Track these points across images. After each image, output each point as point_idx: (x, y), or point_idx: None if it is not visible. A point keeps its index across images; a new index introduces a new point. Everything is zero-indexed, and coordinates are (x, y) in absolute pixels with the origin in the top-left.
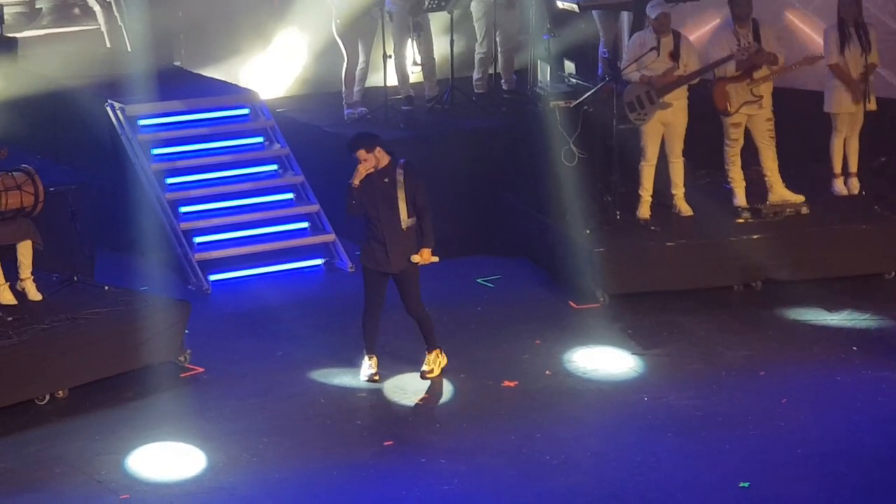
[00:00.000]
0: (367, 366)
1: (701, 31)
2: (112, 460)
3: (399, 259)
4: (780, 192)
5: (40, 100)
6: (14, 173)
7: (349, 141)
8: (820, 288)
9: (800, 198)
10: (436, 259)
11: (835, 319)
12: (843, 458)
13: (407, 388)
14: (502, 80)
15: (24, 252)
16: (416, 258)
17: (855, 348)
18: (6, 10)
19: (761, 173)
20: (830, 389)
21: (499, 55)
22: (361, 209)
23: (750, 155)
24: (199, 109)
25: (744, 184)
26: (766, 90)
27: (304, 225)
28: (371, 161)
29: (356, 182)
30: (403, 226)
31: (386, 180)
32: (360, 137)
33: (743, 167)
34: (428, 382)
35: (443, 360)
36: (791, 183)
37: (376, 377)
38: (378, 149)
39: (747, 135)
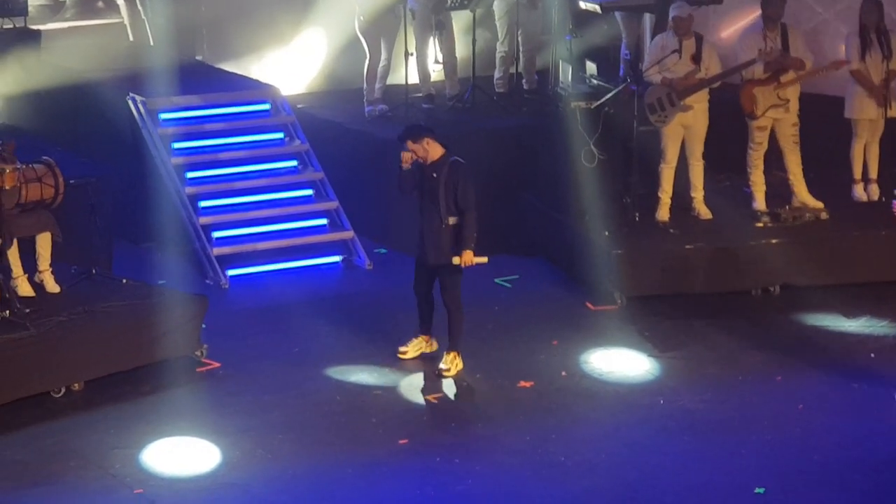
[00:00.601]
0: (409, 341)
1: (728, 30)
2: (127, 454)
3: (433, 254)
4: (802, 197)
5: (62, 92)
6: (34, 165)
7: (400, 132)
8: (838, 294)
9: (819, 204)
10: (483, 260)
11: (853, 326)
12: (858, 465)
13: (423, 387)
14: (523, 80)
15: (43, 244)
16: (456, 260)
17: (872, 355)
18: (31, 2)
19: (782, 178)
20: (847, 396)
21: (520, 55)
22: (411, 191)
23: (771, 159)
24: (220, 104)
25: (764, 188)
26: (792, 94)
27: (323, 221)
28: (419, 152)
29: (404, 165)
30: (443, 223)
31: (435, 175)
32: (408, 129)
33: (764, 171)
34: (444, 381)
35: (459, 363)
36: (811, 188)
37: (400, 353)
38: (427, 140)
39: (771, 139)
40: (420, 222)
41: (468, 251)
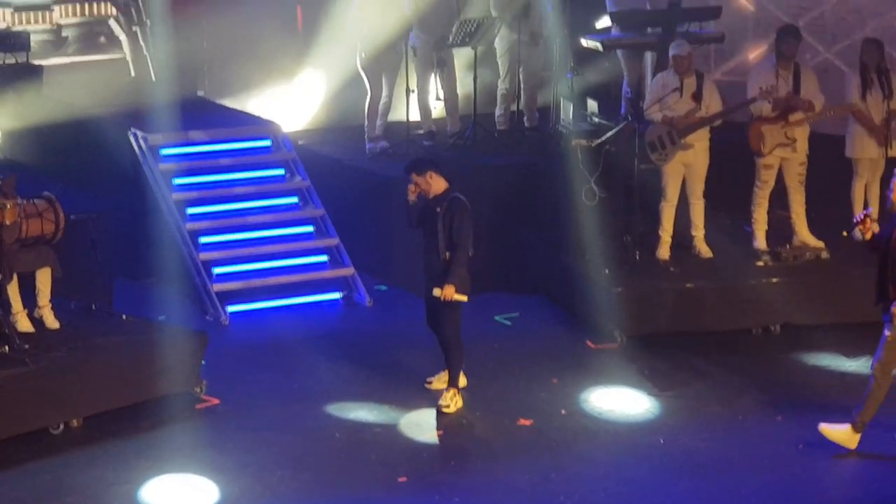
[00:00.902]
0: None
1: (755, 52)
2: (125, 491)
3: (430, 287)
4: (803, 236)
5: (64, 127)
6: (35, 200)
7: (406, 164)
8: (839, 333)
9: (820, 243)
10: (463, 298)
11: (853, 365)
12: None
13: (423, 425)
14: (525, 118)
15: (43, 279)
16: (437, 292)
17: None
18: (32, 37)
19: (784, 217)
20: None
21: (522, 92)
22: (418, 225)
23: (772, 198)
24: (222, 140)
25: (765, 227)
26: (800, 134)
27: (324, 258)
28: (422, 185)
29: (409, 197)
30: (440, 258)
31: (438, 209)
32: (413, 162)
33: (767, 210)
34: (444, 418)
35: (459, 400)
36: (811, 227)
37: (427, 384)
38: (430, 174)
39: (776, 177)
40: (423, 256)
41: (450, 286)
